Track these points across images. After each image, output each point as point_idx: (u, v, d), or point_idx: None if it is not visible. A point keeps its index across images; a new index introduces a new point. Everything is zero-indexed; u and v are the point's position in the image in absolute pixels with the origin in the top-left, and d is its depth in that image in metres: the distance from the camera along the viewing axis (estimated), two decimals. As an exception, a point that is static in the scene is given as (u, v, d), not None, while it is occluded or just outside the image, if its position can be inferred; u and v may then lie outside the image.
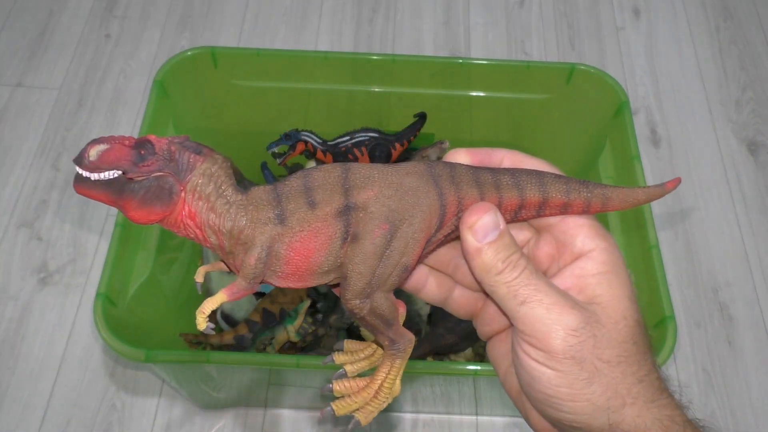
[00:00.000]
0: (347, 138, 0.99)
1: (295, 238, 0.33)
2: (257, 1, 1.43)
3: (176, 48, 1.35)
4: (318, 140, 0.99)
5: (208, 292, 0.98)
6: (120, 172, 0.32)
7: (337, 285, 0.36)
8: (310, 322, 0.93)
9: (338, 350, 0.39)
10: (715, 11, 1.46)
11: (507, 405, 0.94)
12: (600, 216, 0.43)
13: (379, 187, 0.32)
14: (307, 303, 0.92)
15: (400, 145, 0.99)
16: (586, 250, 0.33)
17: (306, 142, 0.98)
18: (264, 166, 1.03)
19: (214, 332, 0.37)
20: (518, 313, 0.31)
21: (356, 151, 0.99)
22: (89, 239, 1.12)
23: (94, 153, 0.32)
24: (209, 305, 0.33)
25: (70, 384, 0.98)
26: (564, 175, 0.34)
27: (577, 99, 0.92)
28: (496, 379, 0.81)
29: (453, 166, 0.34)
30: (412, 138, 1.00)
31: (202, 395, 0.91)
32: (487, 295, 0.34)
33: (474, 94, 0.95)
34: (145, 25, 1.39)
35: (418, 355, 0.90)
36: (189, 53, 0.88)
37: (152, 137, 0.33)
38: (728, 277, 1.12)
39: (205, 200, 0.33)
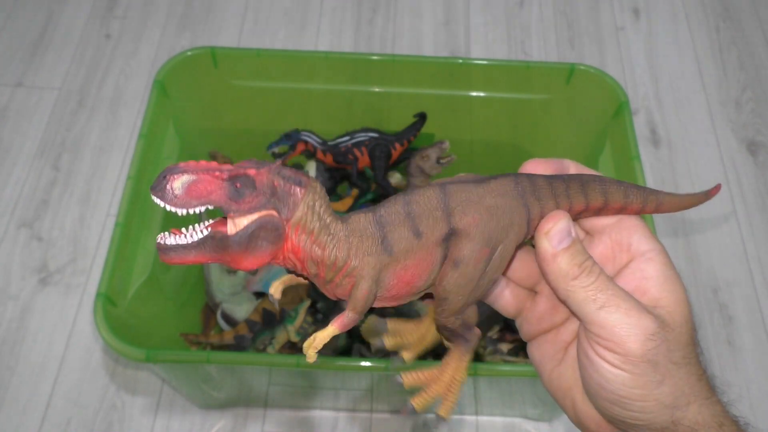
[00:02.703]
0: (347, 138, 0.99)
1: (400, 267, 0.33)
2: (257, 1, 1.43)
3: (176, 48, 1.35)
4: (318, 140, 0.99)
5: (208, 294, 0.98)
6: (213, 207, 0.30)
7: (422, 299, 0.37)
8: (310, 321, 0.93)
9: (383, 331, 0.39)
10: (715, 11, 1.46)
11: (507, 405, 0.94)
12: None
13: (478, 213, 0.33)
14: (307, 303, 0.92)
15: (400, 145, 0.99)
16: (642, 250, 0.35)
17: (306, 142, 0.98)
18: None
19: (318, 362, 0.37)
20: (597, 317, 0.32)
21: (356, 151, 0.99)
22: (89, 239, 1.12)
23: (179, 185, 0.29)
24: (321, 340, 0.33)
25: (71, 384, 0.98)
26: (625, 182, 0.36)
27: (577, 99, 0.92)
28: (495, 379, 0.81)
29: (533, 179, 0.35)
30: (412, 138, 1.00)
31: (202, 395, 0.91)
32: (561, 301, 0.35)
33: (474, 94, 0.95)
34: (145, 25, 1.39)
35: (418, 355, 0.90)
36: (189, 53, 0.88)
37: (251, 171, 0.31)
38: (728, 277, 1.12)
39: (309, 234, 0.32)
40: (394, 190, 1.01)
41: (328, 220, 0.32)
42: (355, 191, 1.02)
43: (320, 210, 0.32)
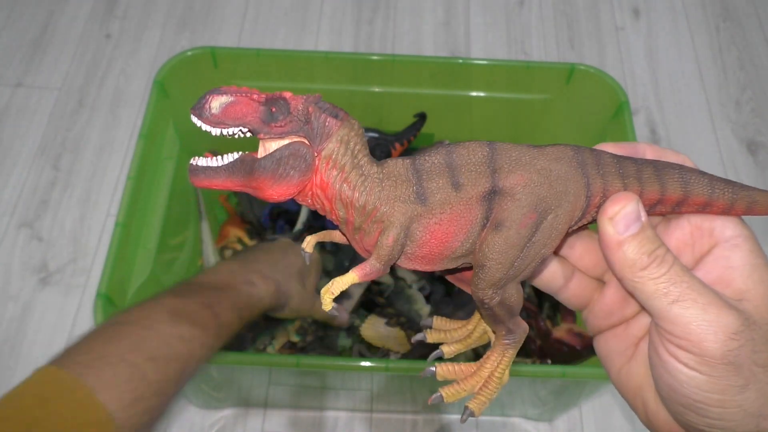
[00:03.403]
0: (347, 138, 0.99)
1: (434, 221, 0.30)
2: (257, 1, 1.43)
3: (176, 48, 1.35)
4: (318, 140, 0.99)
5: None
6: (246, 129, 0.30)
7: (460, 271, 0.35)
8: (310, 321, 0.93)
9: (427, 327, 0.37)
10: (715, 11, 1.46)
11: (506, 405, 0.94)
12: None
13: (528, 173, 0.30)
14: (307, 303, 0.92)
15: (400, 145, 1.00)
16: (727, 236, 0.31)
17: (306, 142, 0.98)
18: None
19: (336, 314, 0.35)
20: (669, 313, 0.29)
21: (356, 151, 0.99)
22: (89, 239, 1.12)
23: (216, 105, 0.30)
24: (339, 286, 0.31)
25: (70, 384, 0.98)
26: (708, 173, 0.32)
27: (576, 99, 0.92)
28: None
29: (599, 153, 0.31)
30: (412, 138, 1.00)
31: (202, 395, 0.91)
32: (629, 293, 0.31)
33: (474, 94, 0.95)
34: (145, 25, 1.39)
35: (418, 355, 0.90)
36: (189, 53, 0.88)
37: (287, 94, 0.30)
38: (728, 277, 1.12)
39: (340, 170, 0.30)
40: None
41: (361, 160, 0.30)
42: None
43: (354, 148, 0.31)
